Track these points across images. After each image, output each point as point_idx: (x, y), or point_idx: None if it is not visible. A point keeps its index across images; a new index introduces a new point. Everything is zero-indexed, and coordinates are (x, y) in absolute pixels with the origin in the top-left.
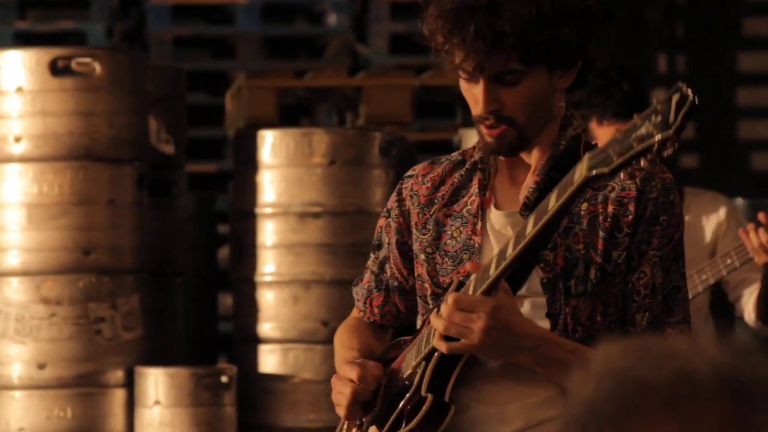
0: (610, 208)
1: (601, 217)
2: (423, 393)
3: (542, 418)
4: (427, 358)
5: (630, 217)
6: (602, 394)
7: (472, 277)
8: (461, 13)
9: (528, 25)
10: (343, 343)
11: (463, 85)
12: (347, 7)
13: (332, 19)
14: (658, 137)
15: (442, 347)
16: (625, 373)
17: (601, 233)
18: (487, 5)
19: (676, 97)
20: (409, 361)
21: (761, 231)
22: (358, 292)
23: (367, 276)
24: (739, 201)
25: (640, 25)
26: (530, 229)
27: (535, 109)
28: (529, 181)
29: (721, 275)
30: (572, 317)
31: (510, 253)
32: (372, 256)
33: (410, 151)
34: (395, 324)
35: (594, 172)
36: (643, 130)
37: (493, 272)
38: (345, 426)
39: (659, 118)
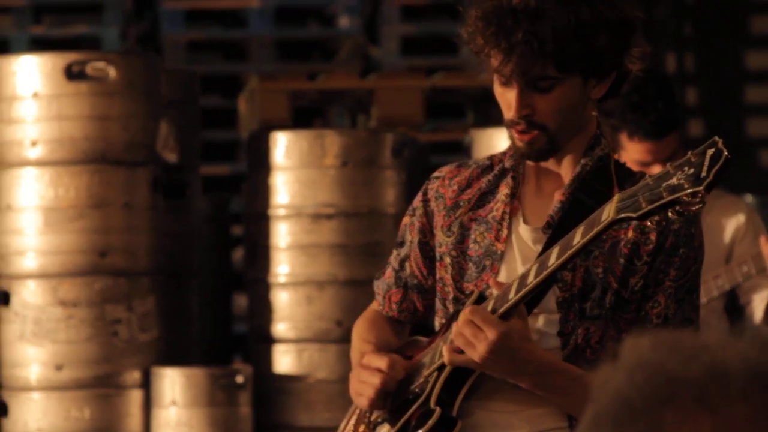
0: (632, 235)
1: (622, 243)
2: (432, 405)
3: (546, 427)
4: (440, 368)
5: (651, 246)
6: (634, 388)
7: (494, 292)
8: (504, 16)
9: (567, 32)
10: (361, 335)
11: (497, 89)
12: (359, 9)
13: (344, 21)
14: (688, 191)
15: (446, 356)
16: (657, 367)
17: (620, 259)
18: (530, 11)
19: (710, 152)
20: (422, 367)
21: None
22: (379, 285)
23: (389, 271)
24: (749, 198)
25: (648, 23)
26: (553, 261)
27: (567, 116)
28: (556, 199)
29: (736, 282)
30: (584, 338)
31: (531, 281)
32: (395, 252)
33: (422, 152)
34: (412, 321)
35: (622, 215)
36: (674, 180)
37: (512, 296)
38: (352, 422)
39: (692, 171)
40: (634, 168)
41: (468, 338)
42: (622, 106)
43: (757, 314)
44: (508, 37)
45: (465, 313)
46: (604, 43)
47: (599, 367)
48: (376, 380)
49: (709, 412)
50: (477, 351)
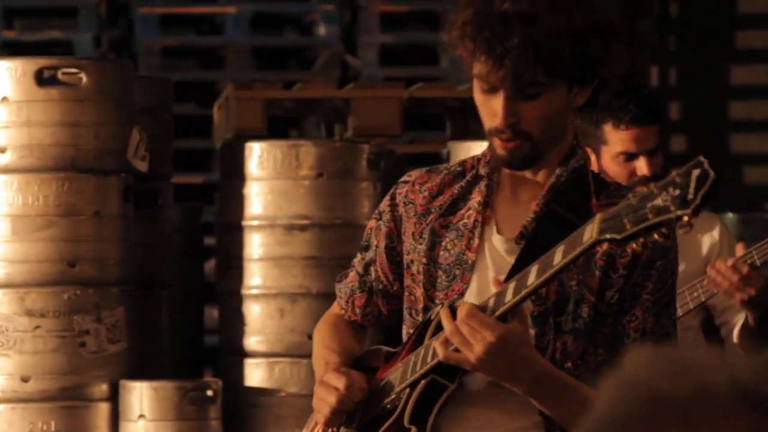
0: (606, 247)
1: (597, 255)
2: (406, 424)
3: None
4: (412, 385)
5: (626, 258)
6: (619, 404)
7: (464, 303)
8: (497, 21)
9: (560, 37)
10: (324, 342)
11: (479, 97)
12: (337, 18)
13: (322, 30)
14: (675, 213)
15: (440, 352)
16: (644, 384)
17: (596, 272)
18: (523, 15)
19: (696, 173)
20: (392, 382)
21: (727, 271)
22: (342, 289)
23: (352, 275)
24: (731, 215)
25: (631, 36)
26: (533, 280)
27: (551, 124)
28: (529, 209)
29: (712, 293)
30: (562, 353)
31: (509, 299)
32: (359, 255)
33: (399, 163)
34: (375, 325)
35: (606, 236)
36: (659, 201)
37: (489, 310)
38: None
39: (677, 192)
40: (619, 163)
41: (465, 337)
42: (606, 97)
43: (733, 335)
44: (503, 42)
45: (462, 313)
46: (594, 49)
47: (600, 382)
48: (332, 399)
49: (693, 431)
50: (474, 351)
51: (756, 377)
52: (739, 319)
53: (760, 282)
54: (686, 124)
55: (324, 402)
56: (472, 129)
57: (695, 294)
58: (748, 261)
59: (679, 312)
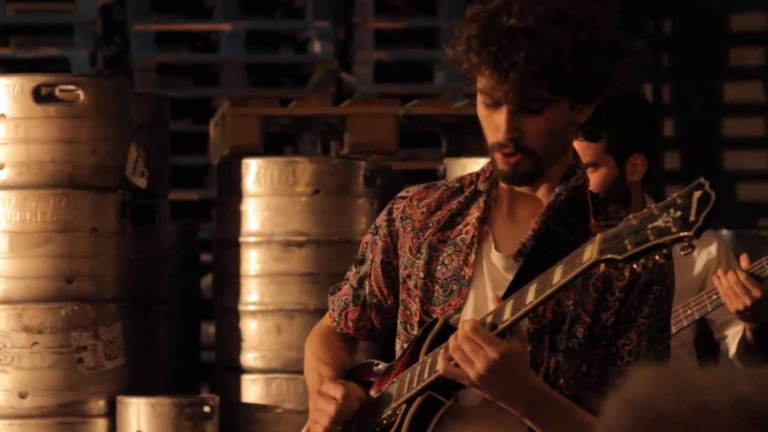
0: (604, 269)
1: (594, 277)
2: None
3: None
4: (409, 401)
5: (623, 282)
6: (622, 423)
7: (460, 319)
8: (503, 36)
9: (565, 53)
10: (316, 354)
11: (482, 111)
12: (332, 35)
13: (317, 47)
14: (677, 235)
15: (441, 366)
16: (646, 403)
17: (593, 293)
18: (529, 31)
19: (697, 194)
20: (388, 398)
21: (729, 274)
22: (335, 302)
23: (346, 288)
24: (724, 232)
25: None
26: (531, 299)
27: (553, 140)
28: (527, 226)
29: (706, 311)
30: (554, 372)
31: (507, 317)
32: (353, 269)
33: (395, 180)
34: (368, 339)
35: (607, 256)
36: (660, 223)
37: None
38: None
39: (678, 214)
40: None
41: (466, 354)
42: None
43: (732, 349)
44: (509, 57)
45: (465, 329)
46: (597, 66)
47: (602, 402)
48: (331, 409)
49: None
50: (475, 368)
51: (757, 396)
52: (738, 333)
53: (758, 293)
54: (680, 141)
55: (322, 412)
56: (467, 146)
57: (689, 312)
58: (753, 272)
59: (673, 329)
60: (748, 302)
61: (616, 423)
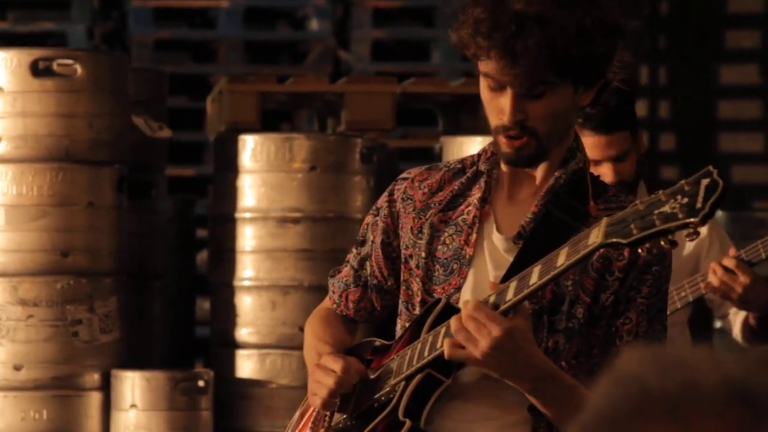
0: (604, 250)
1: (594, 258)
2: (400, 417)
3: None
4: (408, 378)
5: (623, 262)
6: (609, 400)
7: (461, 298)
8: (512, 21)
9: (572, 37)
10: (316, 334)
11: (486, 95)
12: (329, 12)
13: (314, 24)
14: (683, 221)
15: (447, 350)
16: (634, 380)
17: (592, 273)
18: (536, 15)
19: (705, 182)
20: (387, 375)
21: (717, 267)
22: (335, 284)
23: (346, 270)
24: (719, 214)
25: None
26: (535, 280)
27: (557, 123)
28: (527, 208)
29: (700, 293)
30: (553, 352)
31: (511, 297)
32: (354, 250)
33: (391, 158)
34: (368, 320)
35: (612, 240)
36: (667, 208)
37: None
38: (309, 422)
39: (686, 200)
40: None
41: (471, 333)
42: None
43: (736, 327)
44: (520, 42)
45: (468, 308)
46: (601, 49)
47: (596, 381)
48: (330, 381)
49: (681, 425)
50: (479, 347)
51: (745, 374)
52: (740, 317)
53: (746, 278)
54: (675, 123)
55: (321, 384)
56: (464, 124)
57: (683, 294)
58: (747, 258)
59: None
60: (739, 290)
61: (605, 400)
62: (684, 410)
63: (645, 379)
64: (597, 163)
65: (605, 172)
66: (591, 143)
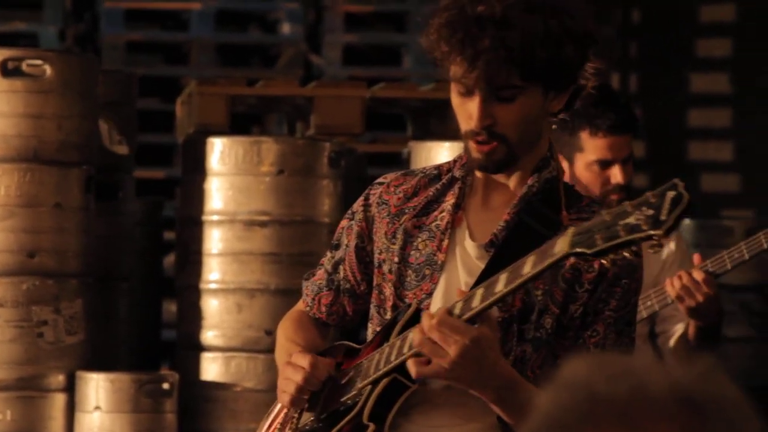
0: (573, 260)
1: (564, 269)
2: (365, 420)
3: None
4: (375, 382)
5: (593, 274)
6: (557, 406)
7: (431, 305)
8: (470, 24)
9: (534, 40)
10: (288, 335)
11: (456, 100)
12: (301, 16)
13: (286, 28)
14: (647, 233)
15: (412, 370)
16: (582, 386)
17: (562, 284)
18: (497, 19)
19: (671, 194)
20: (355, 378)
21: (683, 273)
22: (308, 287)
23: (320, 273)
24: (687, 222)
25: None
26: (501, 288)
27: (527, 128)
28: (500, 215)
29: (666, 303)
30: (521, 361)
31: (476, 305)
32: (328, 254)
33: (360, 162)
34: (340, 324)
35: (576, 249)
36: (632, 220)
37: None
38: (277, 423)
39: (651, 212)
40: (593, 171)
41: (436, 344)
42: (584, 105)
43: (671, 342)
44: (474, 44)
45: (431, 320)
46: (569, 54)
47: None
48: (298, 377)
49: (631, 430)
50: (446, 357)
51: (693, 380)
52: (678, 330)
53: (711, 290)
54: (646, 131)
55: (290, 381)
56: (433, 129)
57: (648, 303)
58: (712, 270)
59: None
60: (701, 299)
61: (554, 406)
62: (633, 415)
63: (593, 385)
64: (608, 164)
65: (616, 174)
66: (605, 144)
